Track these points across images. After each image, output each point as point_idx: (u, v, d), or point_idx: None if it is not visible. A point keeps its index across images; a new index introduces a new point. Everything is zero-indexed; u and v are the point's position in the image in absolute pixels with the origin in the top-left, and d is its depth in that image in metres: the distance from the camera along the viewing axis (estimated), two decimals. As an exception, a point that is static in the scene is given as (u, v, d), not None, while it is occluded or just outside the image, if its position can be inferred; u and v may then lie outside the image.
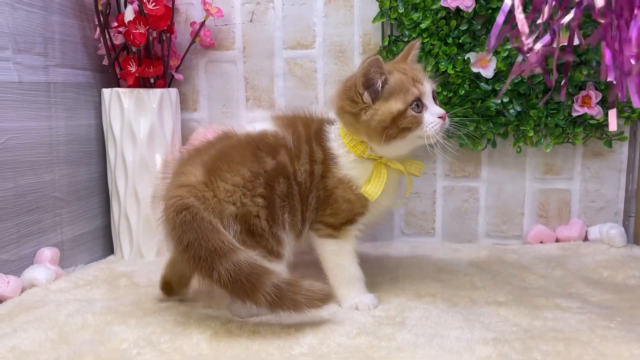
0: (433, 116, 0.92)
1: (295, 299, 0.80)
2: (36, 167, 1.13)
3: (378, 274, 1.12)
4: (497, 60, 1.26)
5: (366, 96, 0.92)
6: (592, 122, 1.28)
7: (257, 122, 1.02)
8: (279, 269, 0.92)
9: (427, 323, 0.87)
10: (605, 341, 0.78)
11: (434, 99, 0.96)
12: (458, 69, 1.28)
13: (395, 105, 0.91)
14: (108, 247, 1.37)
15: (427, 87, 0.94)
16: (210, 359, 0.76)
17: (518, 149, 1.34)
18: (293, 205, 0.93)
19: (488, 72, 1.27)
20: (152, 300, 0.98)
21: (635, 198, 1.35)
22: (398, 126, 0.91)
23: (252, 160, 0.91)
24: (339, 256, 0.97)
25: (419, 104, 0.92)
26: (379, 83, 0.91)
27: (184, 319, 0.89)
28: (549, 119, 1.29)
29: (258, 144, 0.93)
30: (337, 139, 0.98)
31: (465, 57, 1.28)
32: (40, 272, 1.08)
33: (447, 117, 0.94)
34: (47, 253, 1.13)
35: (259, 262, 0.82)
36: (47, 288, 1.05)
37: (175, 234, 0.84)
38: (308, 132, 0.98)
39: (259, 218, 0.89)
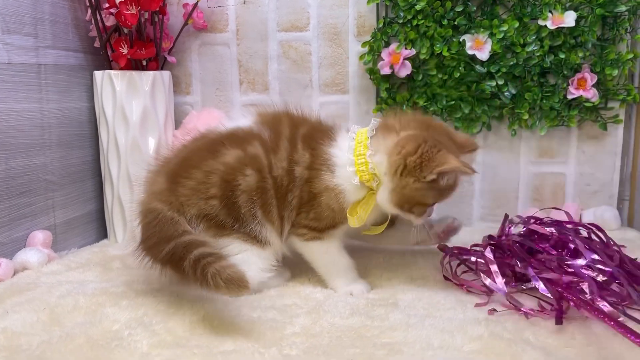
0: (428, 213, 0.93)
1: (204, 270, 0.76)
2: (28, 149, 1.12)
3: (372, 257, 1.12)
4: (493, 42, 1.25)
5: (430, 177, 0.86)
6: (587, 104, 1.28)
7: (241, 117, 1.00)
8: (263, 254, 0.92)
9: (420, 304, 0.87)
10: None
11: None
12: (453, 51, 1.27)
13: (430, 200, 0.89)
14: (101, 231, 1.36)
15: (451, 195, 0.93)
16: (203, 340, 0.76)
17: (513, 132, 1.33)
18: (265, 200, 0.91)
19: (483, 55, 1.26)
20: (145, 282, 0.98)
21: (630, 181, 1.35)
22: (411, 208, 0.90)
23: (208, 158, 0.91)
24: (328, 254, 0.96)
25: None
26: (442, 181, 0.87)
27: (177, 300, 0.88)
28: (544, 101, 1.29)
29: (223, 140, 0.93)
30: (349, 152, 0.92)
31: (461, 39, 1.27)
32: (33, 255, 1.07)
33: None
34: (40, 236, 1.12)
35: (198, 239, 0.84)
36: (39, 271, 1.05)
37: (140, 235, 0.90)
38: (294, 132, 0.95)
39: (219, 216, 0.90)
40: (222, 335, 0.77)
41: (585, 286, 0.82)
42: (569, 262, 0.88)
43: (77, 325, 0.80)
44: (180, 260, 0.81)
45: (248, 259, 0.91)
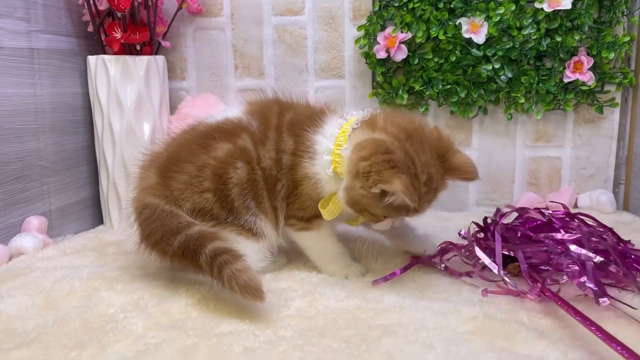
0: (390, 223, 0.86)
1: (221, 269, 0.76)
2: (21, 134, 1.11)
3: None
4: (489, 25, 1.25)
5: (375, 190, 0.79)
6: (583, 88, 1.28)
7: (232, 107, 0.99)
8: (257, 247, 0.91)
9: (415, 287, 0.88)
10: (589, 300, 0.79)
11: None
12: (449, 35, 1.26)
13: (378, 211, 0.82)
14: (97, 217, 1.36)
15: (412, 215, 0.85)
16: (198, 322, 0.76)
17: (509, 116, 1.33)
18: (257, 192, 0.90)
19: (479, 38, 1.25)
20: (141, 267, 0.98)
21: (625, 165, 1.35)
22: (360, 211, 0.84)
23: (200, 153, 0.90)
24: (319, 243, 0.95)
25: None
26: (387, 198, 0.80)
27: (173, 284, 0.88)
28: (540, 85, 1.28)
29: (213, 133, 0.92)
30: (330, 140, 0.88)
31: (457, 23, 1.26)
32: (28, 240, 1.07)
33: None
34: (35, 222, 1.12)
35: (210, 230, 0.83)
36: (34, 256, 1.05)
37: (140, 231, 0.88)
38: (280, 120, 0.93)
39: (213, 210, 0.89)
40: (218, 317, 0.77)
41: (571, 269, 0.82)
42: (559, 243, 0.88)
43: (73, 309, 0.80)
44: (194, 254, 0.80)
45: (242, 250, 0.90)
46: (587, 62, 1.25)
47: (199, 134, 0.94)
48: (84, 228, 1.30)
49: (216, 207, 0.90)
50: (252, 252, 0.90)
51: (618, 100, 1.30)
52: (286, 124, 0.92)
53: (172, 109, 1.39)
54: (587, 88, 1.27)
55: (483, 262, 0.88)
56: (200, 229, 0.83)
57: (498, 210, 1.08)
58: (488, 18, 1.25)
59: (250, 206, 0.90)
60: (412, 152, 0.82)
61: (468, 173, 0.86)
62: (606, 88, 1.30)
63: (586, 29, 1.24)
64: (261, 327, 0.74)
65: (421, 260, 0.96)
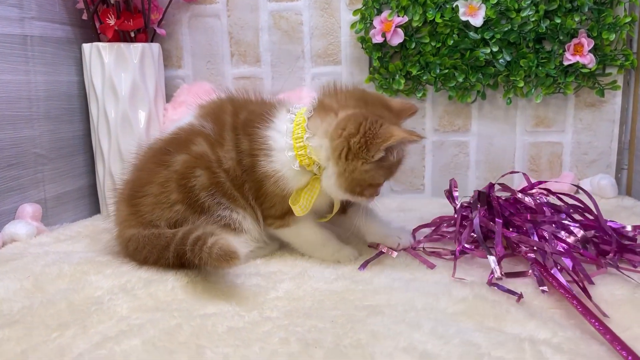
0: (379, 191, 0.88)
1: (200, 255, 0.78)
2: (15, 121, 1.11)
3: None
4: (487, 7, 1.22)
5: (378, 156, 0.81)
6: (584, 71, 1.25)
7: (186, 116, 0.98)
8: (236, 240, 0.88)
9: (406, 269, 0.87)
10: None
11: None
12: (446, 18, 1.24)
13: (381, 179, 0.85)
14: (94, 206, 1.36)
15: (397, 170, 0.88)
16: (184, 304, 0.75)
17: (508, 101, 1.31)
18: (226, 191, 0.90)
19: (477, 21, 1.23)
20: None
21: (628, 149, 1.32)
22: (362, 191, 0.84)
23: (159, 171, 0.91)
24: (300, 236, 0.94)
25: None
26: (391, 157, 0.83)
27: (162, 269, 0.87)
28: (540, 68, 1.26)
29: (167, 147, 0.92)
30: (287, 135, 0.87)
31: (454, 5, 1.24)
32: (21, 227, 1.07)
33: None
34: (29, 209, 1.12)
35: (188, 228, 0.84)
36: (27, 242, 1.05)
37: (135, 260, 0.90)
38: (235, 120, 0.92)
39: (187, 219, 0.89)
40: (205, 299, 0.76)
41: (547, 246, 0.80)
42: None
43: (60, 292, 0.79)
44: (184, 255, 0.82)
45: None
46: (587, 44, 1.22)
47: (155, 152, 0.94)
48: (80, 217, 1.30)
49: (189, 214, 0.89)
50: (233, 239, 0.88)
51: (620, 83, 1.27)
52: (241, 124, 0.91)
53: (169, 97, 1.39)
54: (588, 71, 1.25)
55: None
56: (182, 233, 0.84)
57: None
58: (486, 0, 1.23)
59: (222, 201, 0.90)
60: (377, 112, 0.85)
61: (410, 109, 0.91)
62: (607, 70, 1.27)
63: (586, 10, 1.22)
64: (247, 309, 0.73)
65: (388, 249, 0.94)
